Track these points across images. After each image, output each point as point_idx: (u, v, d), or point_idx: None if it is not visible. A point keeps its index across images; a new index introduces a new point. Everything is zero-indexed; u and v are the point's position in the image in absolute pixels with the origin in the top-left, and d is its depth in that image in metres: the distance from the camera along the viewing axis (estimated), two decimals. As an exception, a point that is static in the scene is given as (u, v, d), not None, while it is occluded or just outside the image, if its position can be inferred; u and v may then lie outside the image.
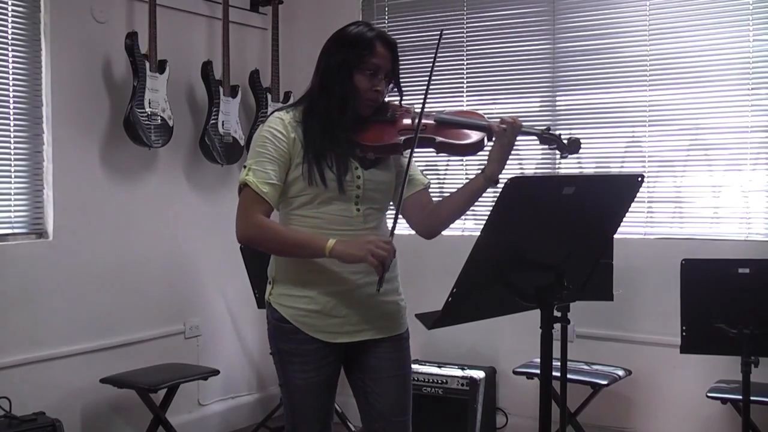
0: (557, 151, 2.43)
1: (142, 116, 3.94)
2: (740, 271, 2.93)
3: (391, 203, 2.53)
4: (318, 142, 2.35)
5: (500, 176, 2.37)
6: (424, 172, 2.62)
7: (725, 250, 3.80)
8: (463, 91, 4.49)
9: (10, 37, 3.67)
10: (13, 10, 3.68)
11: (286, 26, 4.78)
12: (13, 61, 3.69)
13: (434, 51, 2.40)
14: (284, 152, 2.35)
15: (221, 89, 4.33)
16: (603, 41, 4.17)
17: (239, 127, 4.43)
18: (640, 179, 2.20)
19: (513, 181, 1.92)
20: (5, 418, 3.40)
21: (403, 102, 2.50)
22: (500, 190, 1.94)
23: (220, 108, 4.32)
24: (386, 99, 2.47)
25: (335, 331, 2.41)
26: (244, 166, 2.39)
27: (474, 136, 2.41)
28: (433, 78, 2.44)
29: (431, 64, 2.39)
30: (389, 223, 2.42)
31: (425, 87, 2.36)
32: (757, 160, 3.87)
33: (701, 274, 3.03)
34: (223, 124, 4.33)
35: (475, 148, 2.42)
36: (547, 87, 4.33)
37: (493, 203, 1.95)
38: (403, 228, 2.40)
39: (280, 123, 2.38)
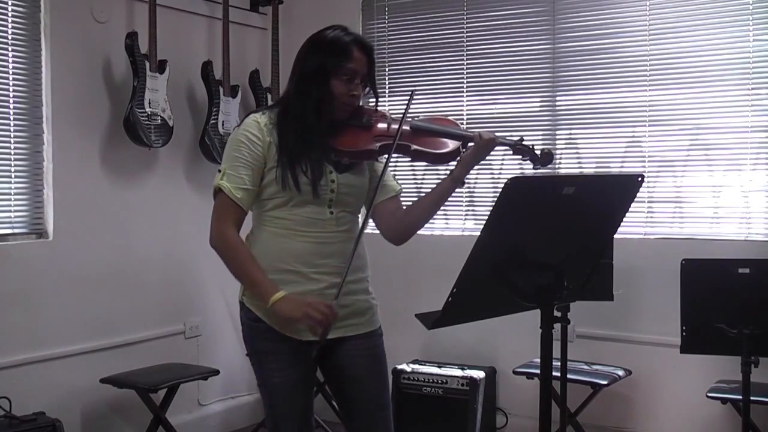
0: (530, 162, 2.44)
1: (142, 116, 3.94)
2: (740, 271, 2.93)
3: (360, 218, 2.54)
4: (292, 147, 2.36)
5: (466, 178, 2.41)
6: (397, 179, 2.64)
7: (725, 250, 3.80)
8: (463, 91, 4.48)
9: (10, 37, 3.67)
10: (13, 10, 3.68)
11: (286, 26, 4.78)
12: (13, 61, 3.69)
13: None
14: (259, 156, 2.37)
15: (221, 89, 4.33)
16: (603, 41, 4.17)
17: (239, 127, 4.42)
18: (640, 179, 2.20)
19: (513, 181, 1.92)
20: (5, 418, 3.40)
21: (378, 106, 2.52)
22: (500, 190, 1.94)
23: (220, 108, 4.32)
24: (361, 103, 2.48)
25: (305, 329, 2.40)
26: (219, 170, 2.42)
27: (449, 145, 2.43)
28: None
29: (405, 108, 2.42)
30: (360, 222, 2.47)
31: (406, 102, 2.39)
32: (757, 160, 3.87)
33: (701, 274, 3.02)
34: (223, 124, 4.33)
35: (449, 157, 2.44)
36: (547, 87, 4.32)
37: (493, 203, 1.95)
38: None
39: (256, 126, 2.39)
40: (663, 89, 4.04)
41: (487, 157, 2.44)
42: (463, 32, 4.52)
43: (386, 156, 2.40)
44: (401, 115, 2.40)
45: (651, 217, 4.09)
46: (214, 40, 4.49)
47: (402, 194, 2.61)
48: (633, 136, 4.12)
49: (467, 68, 4.50)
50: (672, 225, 4.06)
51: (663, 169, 4.07)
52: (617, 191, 2.24)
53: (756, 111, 3.85)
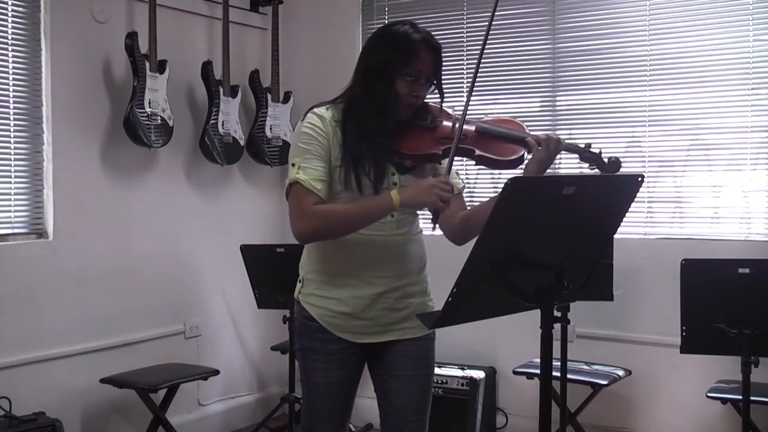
0: (597, 170, 2.37)
1: (142, 116, 3.94)
2: (740, 271, 2.93)
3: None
4: (356, 147, 2.32)
5: None
6: (460, 174, 2.59)
7: (725, 250, 3.80)
8: (463, 91, 4.48)
9: (10, 37, 3.67)
10: (13, 10, 3.68)
11: (286, 26, 4.78)
12: (13, 61, 3.69)
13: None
14: (327, 149, 2.33)
15: (221, 89, 4.33)
16: (603, 41, 4.17)
17: (239, 127, 4.43)
18: (640, 179, 2.19)
19: (513, 181, 1.92)
20: (5, 418, 3.40)
21: (443, 105, 2.45)
22: (500, 190, 1.94)
23: (220, 108, 4.32)
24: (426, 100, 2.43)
25: (362, 332, 2.42)
26: (292, 164, 2.32)
27: (515, 152, 2.34)
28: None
29: (474, 71, 2.34)
30: (420, 222, 2.46)
31: (467, 94, 2.32)
32: (757, 160, 3.87)
33: (701, 274, 3.02)
34: (223, 124, 4.33)
35: (514, 164, 2.36)
36: (547, 87, 4.33)
37: (494, 203, 1.95)
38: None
39: (320, 120, 2.34)
40: (663, 89, 4.04)
41: (518, 167, 2.40)
42: (463, 32, 4.52)
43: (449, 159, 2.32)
44: (462, 116, 2.31)
45: (651, 217, 4.09)
46: (214, 40, 4.49)
47: (477, 190, 2.52)
48: (633, 136, 4.12)
49: (467, 68, 4.50)
50: (672, 225, 4.06)
51: (663, 169, 4.07)
52: (617, 191, 2.23)
53: (756, 111, 3.85)
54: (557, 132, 4.28)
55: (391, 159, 2.36)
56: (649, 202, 4.07)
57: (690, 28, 3.97)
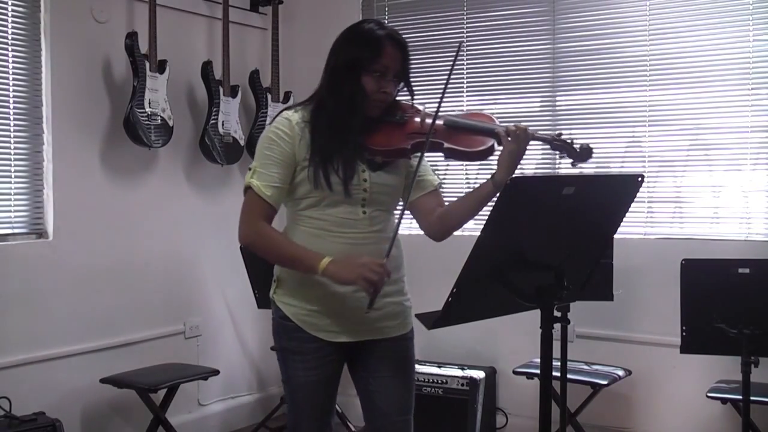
0: (568, 158, 2.37)
1: (142, 116, 3.94)
2: (740, 271, 2.93)
3: (399, 204, 2.51)
4: (325, 146, 2.33)
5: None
6: (436, 171, 2.59)
7: (725, 250, 3.80)
8: (463, 91, 4.48)
9: (10, 37, 3.67)
10: (13, 10, 3.68)
11: (286, 26, 4.78)
12: (13, 61, 3.69)
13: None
14: (290, 154, 2.34)
15: (221, 89, 4.33)
16: (603, 41, 4.17)
17: (239, 127, 4.43)
18: (640, 179, 2.19)
19: (513, 181, 1.92)
20: (5, 418, 3.40)
21: (413, 101, 2.47)
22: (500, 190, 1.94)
23: (220, 108, 4.32)
24: (397, 98, 2.44)
25: (336, 330, 2.42)
26: (249, 168, 2.39)
27: (485, 142, 2.35)
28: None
29: (449, 71, 2.34)
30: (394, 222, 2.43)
31: (441, 92, 2.32)
32: (757, 160, 3.87)
33: (701, 274, 3.02)
34: (223, 124, 4.33)
35: (483, 155, 2.37)
36: (547, 87, 4.33)
37: (494, 203, 1.95)
38: (403, 228, 2.40)
39: (287, 124, 2.36)
40: (663, 89, 4.04)
41: (488, 158, 2.41)
42: (463, 32, 4.52)
43: (418, 154, 2.34)
44: (434, 111, 2.33)
45: (651, 217, 4.09)
46: (214, 40, 4.49)
47: (454, 190, 2.53)
48: (633, 136, 4.12)
49: (467, 68, 4.50)
50: (672, 225, 4.06)
51: (663, 169, 4.07)
52: (617, 191, 2.23)
53: (756, 111, 3.85)
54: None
55: (362, 156, 2.37)
56: (649, 202, 4.07)
57: (690, 28, 3.97)
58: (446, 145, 2.36)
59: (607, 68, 4.17)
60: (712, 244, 3.87)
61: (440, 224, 2.49)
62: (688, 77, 3.98)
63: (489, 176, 2.36)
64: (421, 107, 2.46)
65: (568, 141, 2.36)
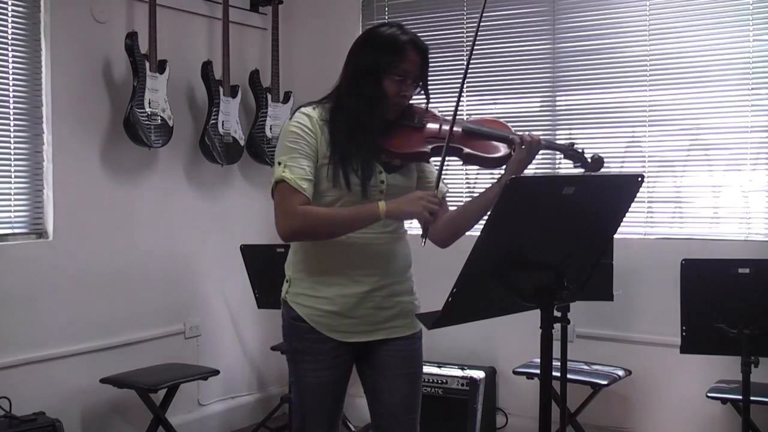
0: (581, 168, 2.42)
1: (142, 116, 3.94)
2: (740, 271, 2.92)
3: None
4: (344, 145, 2.34)
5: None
6: (445, 180, 2.61)
7: (725, 250, 3.80)
8: (463, 91, 4.47)
9: (10, 37, 3.67)
10: (13, 10, 3.68)
11: (286, 26, 4.78)
12: (13, 61, 3.69)
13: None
14: (315, 148, 2.35)
15: (221, 89, 4.33)
16: (603, 41, 4.17)
17: (239, 127, 4.43)
18: (640, 179, 2.19)
19: (513, 181, 1.92)
20: (5, 418, 3.40)
21: (429, 106, 2.48)
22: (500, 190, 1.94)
23: (220, 108, 4.32)
24: (412, 102, 2.46)
25: (350, 330, 2.43)
26: (278, 163, 2.34)
27: (501, 150, 2.40)
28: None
29: (464, 73, 2.37)
30: (405, 223, 2.46)
31: (457, 95, 2.36)
32: (757, 160, 3.87)
33: (701, 274, 3.02)
34: (223, 124, 4.33)
35: (501, 161, 2.41)
36: (547, 87, 4.32)
37: (494, 203, 1.95)
38: (408, 229, 2.42)
39: (308, 120, 2.36)
40: (663, 89, 4.04)
41: (503, 166, 2.42)
42: (463, 32, 4.52)
43: (437, 158, 2.36)
44: (452, 116, 2.35)
45: (651, 217, 4.09)
46: (214, 40, 4.49)
47: (453, 195, 2.57)
48: (633, 136, 4.12)
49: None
50: (672, 225, 4.06)
51: (663, 169, 4.07)
52: (617, 191, 2.23)
53: (756, 111, 3.85)
54: (557, 132, 4.29)
55: (379, 158, 2.39)
56: (649, 202, 4.07)
57: (690, 28, 3.97)
58: (465, 150, 2.39)
59: (607, 68, 4.17)
60: (712, 244, 3.87)
61: (446, 230, 2.50)
62: (688, 77, 3.98)
63: (494, 180, 2.42)
64: (436, 112, 2.48)
65: (580, 151, 2.42)
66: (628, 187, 2.23)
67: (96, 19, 3.97)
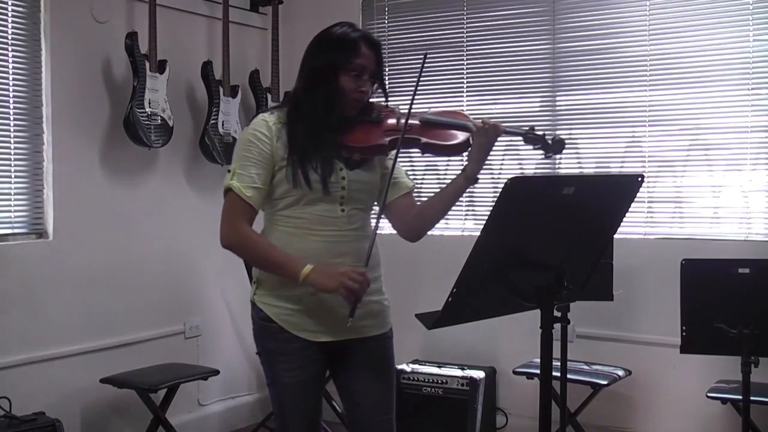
0: (542, 151, 2.43)
1: (142, 116, 3.94)
2: (740, 271, 2.93)
3: (374, 210, 2.52)
4: (302, 144, 2.36)
5: (479, 175, 2.38)
6: (409, 174, 2.63)
7: (725, 250, 3.80)
8: (463, 91, 4.48)
9: (10, 37, 3.67)
10: (13, 10, 3.68)
11: (286, 26, 4.78)
12: (13, 61, 3.69)
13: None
14: (268, 154, 2.37)
15: (221, 89, 4.33)
16: (603, 41, 4.17)
17: (239, 127, 4.43)
18: (640, 179, 2.20)
19: (513, 181, 1.92)
20: (5, 418, 3.40)
21: (388, 102, 2.52)
22: (500, 190, 1.94)
23: (220, 108, 4.32)
24: (371, 99, 2.48)
25: (318, 329, 2.42)
26: (229, 170, 2.40)
27: (459, 136, 2.42)
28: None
29: (416, 78, 2.37)
30: (373, 222, 2.44)
31: (413, 89, 2.36)
32: (757, 160, 3.87)
33: (701, 274, 3.02)
34: (223, 124, 4.33)
35: (460, 148, 2.43)
36: (547, 87, 4.33)
37: (493, 203, 1.95)
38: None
39: (264, 125, 2.39)
40: (663, 89, 4.04)
41: (488, 157, 2.42)
42: (463, 32, 4.52)
43: (395, 151, 2.38)
44: (408, 109, 2.38)
45: (651, 217, 4.09)
46: (214, 40, 4.49)
47: (424, 189, 2.57)
48: (633, 136, 4.12)
49: (467, 68, 4.50)
50: (672, 225, 4.06)
51: (663, 169, 4.07)
52: (617, 191, 2.24)
53: (756, 111, 3.85)
54: (557, 132, 4.29)
55: (339, 154, 2.40)
56: (649, 202, 4.07)
57: (690, 28, 3.97)
58: (423, 140, 2.42)
59: (607, 68, 4.17)
60: (712, 244, 3.87)
61: (415, 223, 2.51)
62: (688, 77, 3.98)
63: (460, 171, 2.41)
64: (395, 108, 2.51)
65: (540, 134, 2.42)
66: (628, 187, 2.23)
67: (96, 19, 3.97)
